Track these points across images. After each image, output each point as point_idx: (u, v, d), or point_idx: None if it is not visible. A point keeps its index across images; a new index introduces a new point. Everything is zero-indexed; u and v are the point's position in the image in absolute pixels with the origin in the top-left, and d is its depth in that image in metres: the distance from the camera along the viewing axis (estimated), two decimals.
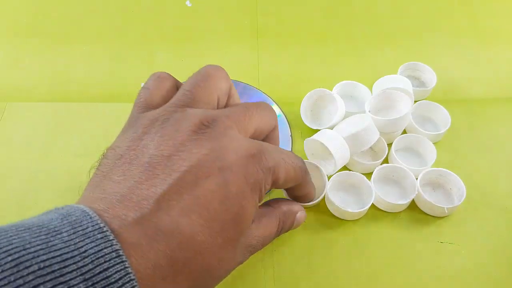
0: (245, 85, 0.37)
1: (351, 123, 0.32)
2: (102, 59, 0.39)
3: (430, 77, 0.38)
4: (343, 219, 0.31)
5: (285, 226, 0.26)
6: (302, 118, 0.35)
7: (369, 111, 0.33)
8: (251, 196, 0.21)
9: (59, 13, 0.42)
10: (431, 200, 0.30)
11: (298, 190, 0.27)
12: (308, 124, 0.35)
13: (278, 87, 0.38)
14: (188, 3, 0.43)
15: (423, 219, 0.31)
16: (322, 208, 0.31)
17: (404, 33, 0.43)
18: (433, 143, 0.33)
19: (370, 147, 0.33)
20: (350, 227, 0.31)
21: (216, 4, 0.43)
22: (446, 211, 0.30)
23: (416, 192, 0.30)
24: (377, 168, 0.32)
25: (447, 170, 0.31)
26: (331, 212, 0.31)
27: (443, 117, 0.35)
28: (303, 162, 0.25)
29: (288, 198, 0.29)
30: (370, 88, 0.37)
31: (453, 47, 0.42)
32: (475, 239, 0.30)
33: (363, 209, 0.30)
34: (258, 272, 0.29)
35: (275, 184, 0.23)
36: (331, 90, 0.36)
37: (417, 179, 0.31)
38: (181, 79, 0.38)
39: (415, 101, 0.36)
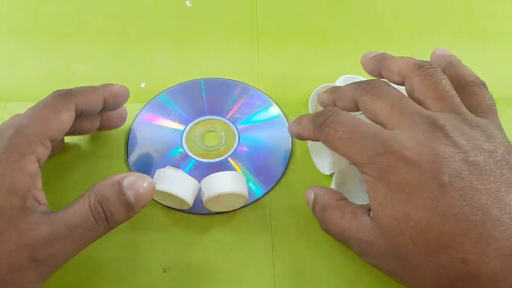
0: (245, 85, 0.38)
1: None
2: (102, 59, 0.39)
3: None
4: None
5: (110, 201, 0.23)
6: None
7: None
8: None
9: (59, 13, 0.42)
10: None
11: None
12: None
13: (278, 87, 0.38)
14: (188, 3, 0.43)
15: None
16: None
17: (404, 33, 0.43)
18: None
19: None
20: None
21: (216, 4, 0.43)
22: None
23: None
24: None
25: None
26: None
27: None
28: None
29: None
30: None
31: (453, 47, 0.42)
32: None
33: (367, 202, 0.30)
34: (258, 271, 0.29)
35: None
36: None
37: None
38: (181, 79, 0.38)
39: None
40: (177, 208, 0.31)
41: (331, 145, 0.26)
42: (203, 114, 0.36)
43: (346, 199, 0.27)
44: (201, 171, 0.33)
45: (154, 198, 0.30)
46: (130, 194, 0.23)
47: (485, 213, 0.20)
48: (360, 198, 0.31)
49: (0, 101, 0.36)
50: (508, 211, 0.20)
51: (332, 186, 0.31)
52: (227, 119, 0.35)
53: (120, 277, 0.29)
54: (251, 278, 0.29)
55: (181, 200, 0.28)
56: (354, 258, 0.29)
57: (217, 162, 0.33)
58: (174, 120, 0.35)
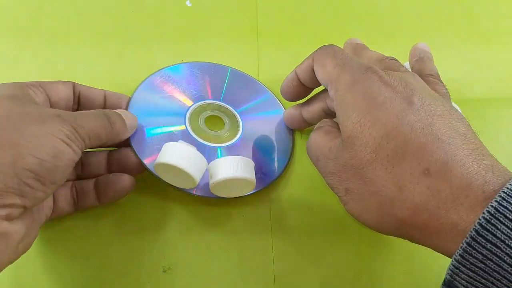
0: (263, 86, 0.37)
1: None
2: (102, 59, 0.39)
3: None
4: (345, 217, 0.31)
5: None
6: None
7: None
8: None
9: (59, 13, 0.42)
10: None
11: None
12: None
13: (278, 87, 0.38)
14: (188, 3, 0.43)
15: None
16: (325, 207, 0.31)
17: (404, 33, 0.43)
18: None
19: None
20: (351, 226, 0.31)
21: (216, 4, 0.43)
22: None
23: None
24: None
25: None
26: (333, 211, 0.31)
27: None
28: None
29: None
30: None
31: (453, 47, 0.42)
32: None
33: None
34: (258, 271, 0.29)
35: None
36: None
37: None
38: None
39: None
40: (180, 186, 0.29)
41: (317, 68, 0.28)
42: (217, 98, 0.35)
43: (338, 127, 0.27)
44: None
45: (158, 173, 0.29)
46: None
47: (451, 136, 0.22)
48: None
49: None
50: (466, 144, 0.22)
51: None
52: (236, 111, 0.35)
53: (120, 277, 0.29)
54: (251, 278, 0.29)
55: (188, 177, 0.27)
56: (354, 258, 0.29)
57: (217, 147, 0.33)
58: (184, 93, 0.35)
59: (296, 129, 0.35)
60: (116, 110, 0.28)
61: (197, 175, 0.27)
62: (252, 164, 0.29)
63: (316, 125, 0.29)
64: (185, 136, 0.32)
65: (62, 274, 0.27)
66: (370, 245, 0.30)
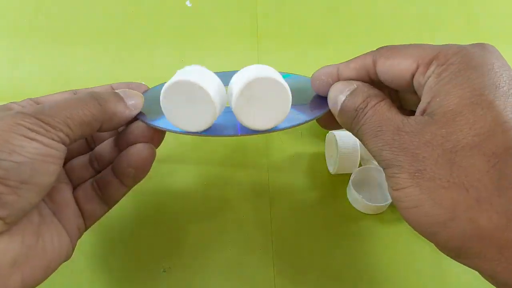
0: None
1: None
2: (102, 59, 0.39)
3: None
4: (345, 217, 0.31)
5: (99, 93, 0.23)
6: None
7: None
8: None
9: (59, 13, 0.42)
10: None
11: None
12: None
13: None
14: (188, 3, 0.43)
15: None
16: (325, 207, 0.31)
17: (404, 33, 0.43)
18: None
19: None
20: (351, 226, 0.31)
21: (216, 4, 0.43)
22: None
23: None
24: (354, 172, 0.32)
25: None
26: (334, 210, 0.31)
27: None
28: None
29: None
30: None
31: None
32: None
33: (387, 202, 0.30)
34: (258, 271, 0.29)
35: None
36: None
37: None
38: None
39: None
40: (193, 126, 0.23)
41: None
42: None
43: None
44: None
45: (167, 109, 0.23)
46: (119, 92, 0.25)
47: None
48: (378, 199, 0.31)
49: (0, 101, 0.36)
50: None
51: (350, 186, 0.31)
52: None
53: (121, 277, 0.29)
54: (251, 278, 0.29)
55: (206, 101, 0.21)
56: (354, 258, 0.29)
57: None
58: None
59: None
60: (113, 91, 0.25)
61: (217, 99, 0.21)
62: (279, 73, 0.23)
63: (367, 92, 0.23)
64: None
65: (63, 273, 0.27)
66: (370, 245, 0.30)
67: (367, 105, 0.22)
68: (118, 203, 0.27)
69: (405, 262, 0.29)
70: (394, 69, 0.22)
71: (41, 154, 0.20)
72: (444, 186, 0.18)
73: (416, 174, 0.19)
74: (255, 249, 0.30)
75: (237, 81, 0.22)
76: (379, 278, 0.28)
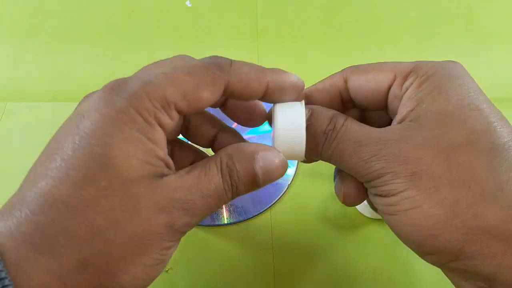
0: None
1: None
2: (102, 59, 0.39)
3: None
4: (345, 217, 0.31)
5: (238, 173, 0.20)
6: None
7: None
8: (120, 129, 0.18)
9: (59, 13, 0.42)
10: None
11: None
12: None
13: None
14: (188, 3, 0.43)
15: None
16: (325, 207, 0.31)
17: (404, 34, 0.43)
18: None
19: None
20: (351, 226, 0.31)
21: (216, 4, 0.43)
22: None
23: None
24: None
25: None
26: (335, 212, 0.31)
27: None
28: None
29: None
30: None
31: (453, 47, 0.42)
32: None
33: None
34: (259, 271, 0.29)
35: (181, 107, 0.19)
36: None
37: None
38: None
39: None
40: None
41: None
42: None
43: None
44: None
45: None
46: (258, 168, 0.20)
47: None
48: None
49: (0, 101, 0.36)
50: None
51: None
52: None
53: None
54: (251, 278, 0.29)
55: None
56: (354, 258, 0.29)
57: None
58: None
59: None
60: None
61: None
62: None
63: (328, 114, 0.22)
64: None
65: None
66: (370, 245, 0.30)
67: (334, 125, 0.21)
68: None
69: (405, 262, 0.29)
70: (369, 83, 0.22)
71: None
72: (444, 184, 0.18)
73: (413, 176, 0.19)
74: (255, 249, 0.30)
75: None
76: (379, 278, 0.28)
